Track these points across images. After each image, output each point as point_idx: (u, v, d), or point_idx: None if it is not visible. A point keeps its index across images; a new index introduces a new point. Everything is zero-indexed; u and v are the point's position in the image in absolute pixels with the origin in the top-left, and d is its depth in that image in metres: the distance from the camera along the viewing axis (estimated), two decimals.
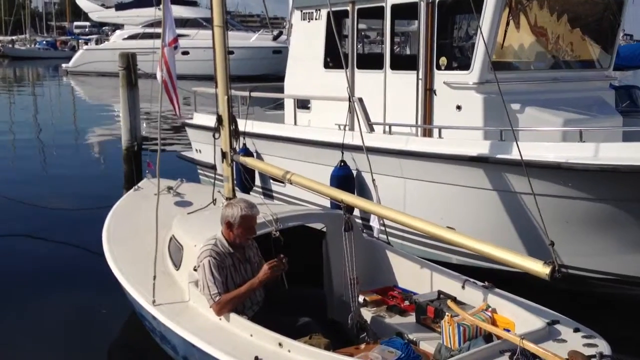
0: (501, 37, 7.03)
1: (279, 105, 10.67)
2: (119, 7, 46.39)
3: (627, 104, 9.01)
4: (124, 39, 40.31)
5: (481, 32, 6.64)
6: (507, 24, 7.00)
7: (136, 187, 7.33)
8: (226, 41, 5.74)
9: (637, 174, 5.40)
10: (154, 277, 4.76)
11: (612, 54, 7.85)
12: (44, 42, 71.91)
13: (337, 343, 4.16)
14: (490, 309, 4.13)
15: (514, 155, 5.59)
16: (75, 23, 78.26)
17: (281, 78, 9.68)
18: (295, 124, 8.84)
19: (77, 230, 8.99)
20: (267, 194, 9.15)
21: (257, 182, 9.04)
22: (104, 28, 61.20)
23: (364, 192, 7.18)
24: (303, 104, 9.09)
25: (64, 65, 45.42)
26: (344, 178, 7.37)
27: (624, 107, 8.57)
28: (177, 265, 5.06)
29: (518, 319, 4.05)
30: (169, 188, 6.79)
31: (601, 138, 6.15)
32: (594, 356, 3.47)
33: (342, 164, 7.47)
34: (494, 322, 3.98)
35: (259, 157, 8.82)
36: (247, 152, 8.42)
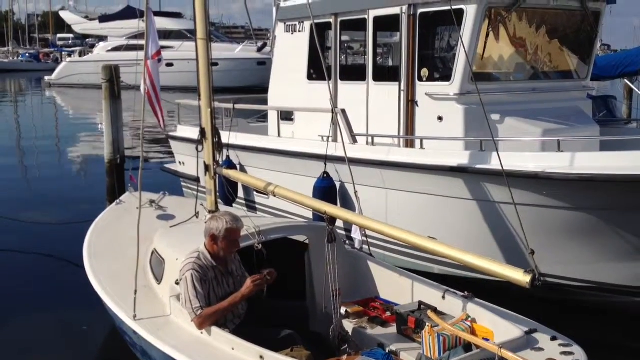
0: (481, 48, 7.13)
1: (262, 117, 10.70)
2: (103, 19, 46.34)
3: (604, 114, 9.14)
4: (108, 50, 40.22)
5: (462, 44, 6.72)
6: (487, 35, 7.09)
7: (118, 200, 7.29)
8: (209, 54, 5.76)
9: (614, 182, 5.48)
10: (135, 292, 4.73)
11: (589, 65, 7.98)
12: (27, 54, 71.47)
13: (319, 355, 4.15)
14: (469, 319, 4.17)
15: (494, 165, 5.66)
16: (59, 35, 78.02)
17: (265, 89, 9.72)
18: (278, 135, 8.87)
19: (58, 244, 8.93)
20: (251, 206, 9.15)
21: (241, 194, 9.04)
22: (87, 40, 61.01)
23: (347, 203, 7.21)
24: (287, 115, 9.13)
25: (46, 77, 45.17)
26: (327, 189, 7.40)
27: (601, 117, 8.69)
28: (159, 279, 5.03)
29: (497, 328, 4.09)
30: (152, 201, 6.76)
31: (579, 148, 6.24)
32: None
33: (325, 175, 7.50)
34: (473, 332, 4.01)
35: (243, 169, 8.83)
36: (230, 164, 8.42)
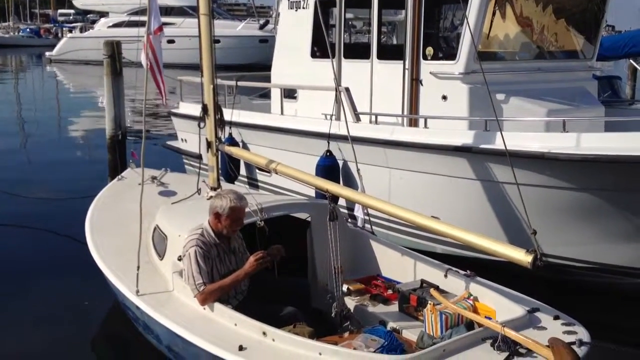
0: (487, 27, 7.05)
1: (265, 94, 10.63)
2: None
3: (608, 94, 9.09)
4: (109, 27, 39.87)
5: (467, 23, 6.64)
6: (493, 14, 7.02)
7: (120, 176, 7.28)
8: (212, 29, 5.71)
9: (618, 163, 5.46)
10: (138, 267, 4.74)
11: (595, 45, 7.91)
12: (28, 29, 70.92)
13: (321, 332, 4.17)
14: (472, 297, 4.17)
15: (498, 145, 5.62)
16: (60, 11, 77.34)
17: (268, 67, 9.64)
18: (281, 113, 8.82)
19: (60, 219, 8.91)
20: (253, 183, 9.13)
21: (243, 171, 9.02)
22: (88, 16, 60.54)
23: (350, 182, 7.19)
24: (290, 93, 9.07)
25: (47, 53, 44.87)
26: (330, 168, 7.37)
27: (606, 98, 8.63)
28: (161, 255, 5.04)
29: (499, 307, 4.09)
30: (153, 178, 6.75)
31: (584, 128, 6.21)
32: (573, 343, 3.52)
33: (328, 153, 7.47)
34: (475, 310, 4.02)
35: (245, 146, 8.79)
36: (233, 142, 8.39)
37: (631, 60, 12.56)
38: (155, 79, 5.52)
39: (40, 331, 5.81)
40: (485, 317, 3.92)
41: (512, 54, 7.82)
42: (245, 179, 9.14)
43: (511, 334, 3.51)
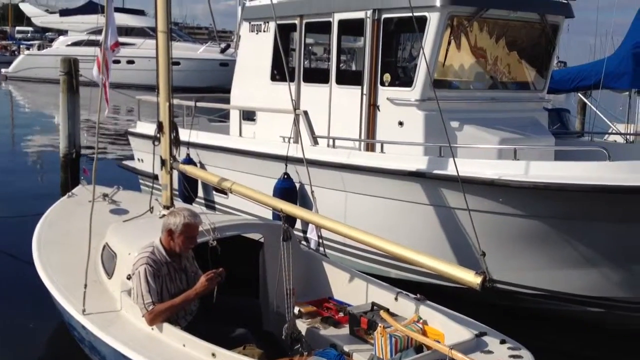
0: (442, 56, 7.21)
1: (223, 116, 10.60)
2: (63, 12, 45.29)
3: (557, 127, 9.37)
4: (67, 45, 39.23)
5: (423, 51, 6.79)
6: (449, 43, 7.19)
7: (70, 193, 7.12)
8: (170, 47, 5.70)
9: (568, 192, 5.60)
10: (85, 286, 4.62)
11: (546, 77, 8.16)
12: None
13: (272, 354, 4.12)
14: (421, 321, 4.20)
15: (451, 171, 5.72)
16: (17, 28, 75.91)
17: (227, 90, 9.63)
18: (240, 135, 8.81)
19: (5, 238, 8.64)
20: (210, 205, 9.05)
21: (201, 193, 8.94)
22: (46, 34, 59.57)
23: (307, 205, 7.18)
24: (249, 115, 9.07)
25: (3, 70, 43.90)
26: (287, 190, 7.37)
27: (555, 130, 8.88)
28: (110, 274, 4.93)
29: (448, 330, 4.13)
30: (105, 195, 6.62)
31: (535, 157, 6.36)
32: None
33: (286, 176, 7.48)
34: (424, 334, 4.04)
35: (203, 167, 8.72)
36: (190, 163, 8.31)
37: (580, 95, 13.01)
38: (106, 94, 5.46)
39: None
40: (434, 340, 3.94)
41: (466, 83, 8.01)
42: (202, 201, 9.05)
43: (459, 356, 3.54)
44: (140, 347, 4.05)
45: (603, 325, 6.23)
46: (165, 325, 4.18)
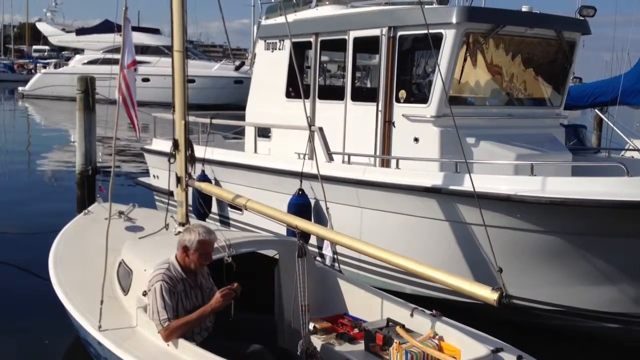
0: (458, 73, 7.21)
1: (238, 133, 10.65)
2: (80, 32, 46.00)
3: (574, 142, 9.30)
4: (84, 63, 39.82)
5: (439, 68, 6.80)
6: (465, 60, 7.20)
7: (86, 211, 7.16)
8: (185, 65, 5.75)
9: (585, 207, 5.55)
10: (101, 302, 4.62)
11: (563, 94, 8.12)
12: (2, 64, 70.42)
13: None
14: (437, 337, 4.15)
15: (467, 186, 5.69)
16: (34, 47, 77.16)
17: (242, 108, 9.69)
18: (255, 151, 8.84)
19: (22, 254, 8.70)
20: (224, 221, 9.06)
21: (215, 209, 8.96)
22: (63, 53, 60.44)
23: (321, 221, 7.17)
24: (264, 132, 9.11)
25: (20, 88, 44.53)
26: (302, 206, 7.37)
27: (571, 146, 8.82)
28: (126, 291, 4.93)
29: (464, 346, 4.08)
30: (120, 213, 6.65)
31: (551, 173, 6.31)
32: None
33: (301, 192, 7.47)
34: (440, 350, 4.00)
35: (218, 184, 8.75)
36: (205, 179, 8.33)
37: (597, 110, 12.92)
38: (128, 113, 5.52)
39: None
40: (451, 356, 3.89)
41: (482, 100, 7.99)
42: (217, 217, 9.07)
43: None
44: None
45: (620, 342, 6.13)
46: (181, 342, 4.17)
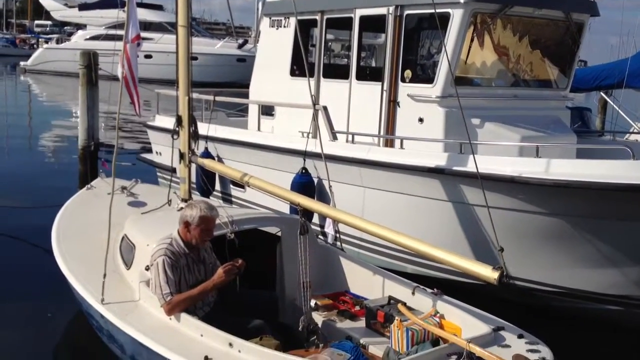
0: (465, 53, 7.15)
1: (241, 111, 10.62)
2: (83, 7, 45.62)
3: (578, 125, 9.27)
4: (86, 39, 39.55)
5: (445, 48, 6.74)
6: (472, 41, 7.13)
7: (89, 185, 7.17)
8: (189, 41, 5.70)
9: (589, 190, 5.54)
10: (104, 275, 4.65)
11: (569, 76, 8.06)
12: (4, 39, 70.06)
13: (288, 345, 4.13)
14: (438, 315, 4.18)
15: (471, 167, 5.67)
16: (36, 22, 76.65)
17: (244, 86, 9.64)
18: (258, 129, 8.81)
19: (25, 228, 8.70)
20: (227, 198, 9.07)
21: (218, 187, 8.96)
22: (65, 28, 60.06)
23: (324, 199, 7.15)
24: (267, 110, 9.07)
25: (22, 63, 44.36)
26: (305, 185, 7.36)
27: (576, 128, 8.79)
28: (128, 265, 4.95)
29: (465, 324, 4.11)
30: (123, 188, 6.65)
31: (556, 155, 6.29)
32: None
33: (304, 171, 7.47)
34: (441, 327, 4.02)
35: (221, 161, 8.73)
36: (208, 156, 8.31)
37: (602, 93, 12.85)
38: (129, 90, 5.47)
39: (1, 341, 5.63)
40: (452, 334, 3.91)
41: (488, 81, 7.94)
42: (220, 194, 9.07)
43: (476, 350, 3.51)
44: (158, 336, 4.07)
45: (621, 324, 6.15)
46: (183, 315, 4.20)
